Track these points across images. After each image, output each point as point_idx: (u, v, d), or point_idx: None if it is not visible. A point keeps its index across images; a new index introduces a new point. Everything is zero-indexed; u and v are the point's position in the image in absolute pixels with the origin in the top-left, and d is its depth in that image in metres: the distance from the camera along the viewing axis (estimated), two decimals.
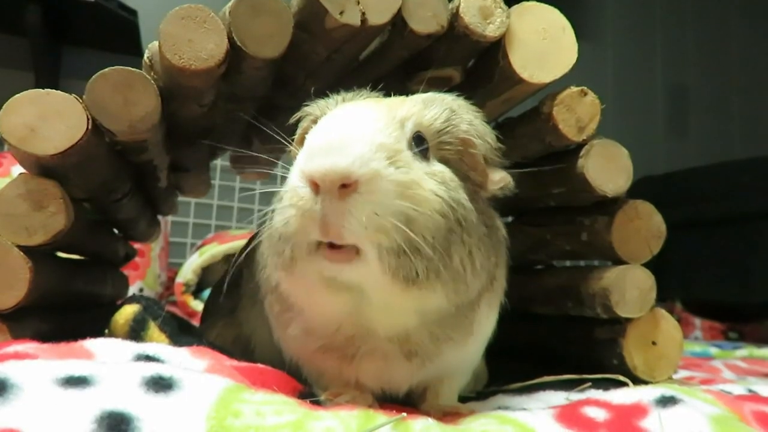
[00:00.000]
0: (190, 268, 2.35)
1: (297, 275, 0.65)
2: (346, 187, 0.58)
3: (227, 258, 2.31)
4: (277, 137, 0.74)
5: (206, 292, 2.28)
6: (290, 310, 0.72)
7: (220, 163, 2.79)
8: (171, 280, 2.48)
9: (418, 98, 0.72)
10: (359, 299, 0.64)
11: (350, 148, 0.59)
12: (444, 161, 0.69)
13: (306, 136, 0.68)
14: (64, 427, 0.47)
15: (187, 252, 2.78)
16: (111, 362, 0.61)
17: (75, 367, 0.55)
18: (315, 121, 0.73)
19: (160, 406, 0.51)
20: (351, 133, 0.61)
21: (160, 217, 1.52)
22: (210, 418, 0.51)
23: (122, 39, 2.48)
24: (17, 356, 0.61)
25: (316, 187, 0.59)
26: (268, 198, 0.72)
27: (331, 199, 0.58)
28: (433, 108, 0.70)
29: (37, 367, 0.55)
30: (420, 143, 0.67)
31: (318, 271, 0.62)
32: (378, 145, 0.61)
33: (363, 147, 0.60)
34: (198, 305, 2.24)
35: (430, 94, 0.73)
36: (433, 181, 0.64)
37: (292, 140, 0.78)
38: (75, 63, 2.67)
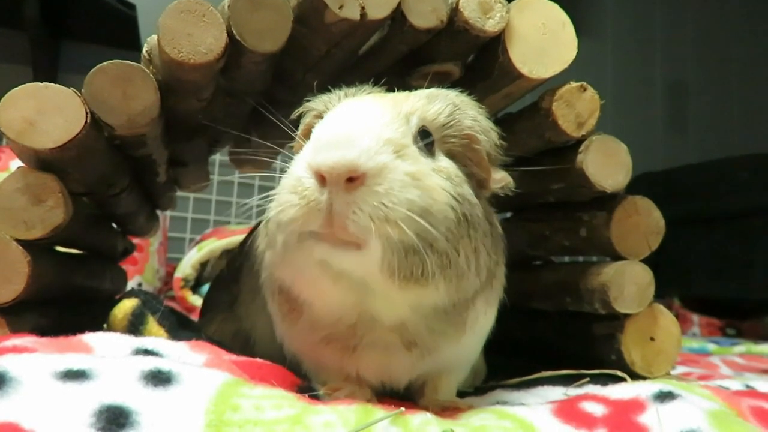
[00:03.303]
0: (188, 263, 2.35)
1: (287, 260, 0.65)
2: (353, 180, 0.58)
3: (226, 253, 2.31)
4: (280, 127, 0.74)
5: (205, 287, 2.29)
6: (297, 308, 0.72)
7: (218, 158, 2.78)
8: (170, 275, 2.48)
9: (422, 93, 0.72)
10: (363, 288, 0.64)
11: (357, 142, 0.59)
12: (449, 155, 0.70)
13: (310, 130, 0.68)
14: (63, 420, 0.47)
15: (186, 247, 2.78)
16: (110, 356, 0.61)
17: (74, 361, 0.55)
18: (318, 116, 0.73)
19: (158, 400, 0.51)
20: (358, 127, 0.62)
21: (158, 212, 1.52)
22: (209, 412, 0.51)
23: (121, 33, 2.47)
24: (16, 350, 0.61)
25: (322, 179, 0.59)
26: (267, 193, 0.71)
27: (338, 192, 0.58)
28: (437, 103, 0.71)
29: (35, 360, 0.55)
30: (425, 138, 0.68)
31: (309, 255, 0.62)
32: (385, 140, 0.61)
33: (370, 141, 0.60)
34: (197, 300, 2.24)
35: (433, 90, 0.74)
36: (439, 175, 0.65)
37: (294, 134, 0.78)
38: (73, 57, 2.66)
